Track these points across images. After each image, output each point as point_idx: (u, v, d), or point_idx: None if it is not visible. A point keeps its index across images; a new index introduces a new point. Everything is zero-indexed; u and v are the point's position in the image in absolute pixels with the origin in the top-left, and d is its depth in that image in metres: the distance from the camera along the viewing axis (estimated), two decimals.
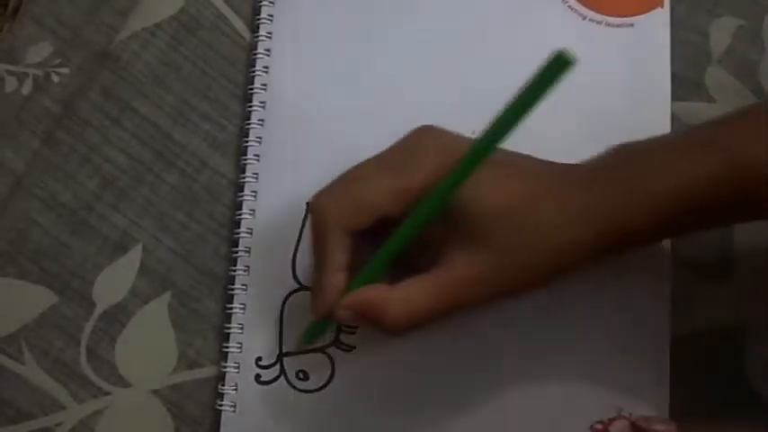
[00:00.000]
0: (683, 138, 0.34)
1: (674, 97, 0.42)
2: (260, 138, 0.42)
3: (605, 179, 0.33)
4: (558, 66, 0.26)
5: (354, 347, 0.40)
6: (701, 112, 0.43)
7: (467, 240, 0.33)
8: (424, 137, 0.34)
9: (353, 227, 0.33)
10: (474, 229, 0.32)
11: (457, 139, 0.33)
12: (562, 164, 0.35)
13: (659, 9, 0.43)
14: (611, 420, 0.39)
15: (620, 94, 0.43)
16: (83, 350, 0.41)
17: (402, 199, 0.33)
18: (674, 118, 0.42)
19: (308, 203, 0.41)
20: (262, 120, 0.42)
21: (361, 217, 0.33)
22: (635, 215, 0.33)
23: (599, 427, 0.39)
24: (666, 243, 0.41)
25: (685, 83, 0.43)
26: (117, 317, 0.42)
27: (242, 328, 0.40)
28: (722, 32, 0.44)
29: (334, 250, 0.33)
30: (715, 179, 0.32)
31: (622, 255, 0.34)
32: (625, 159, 0.34)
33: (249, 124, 0.42)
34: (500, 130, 0.29)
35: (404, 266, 0.34)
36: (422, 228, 0.32)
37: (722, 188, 0.32)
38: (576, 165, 0.35)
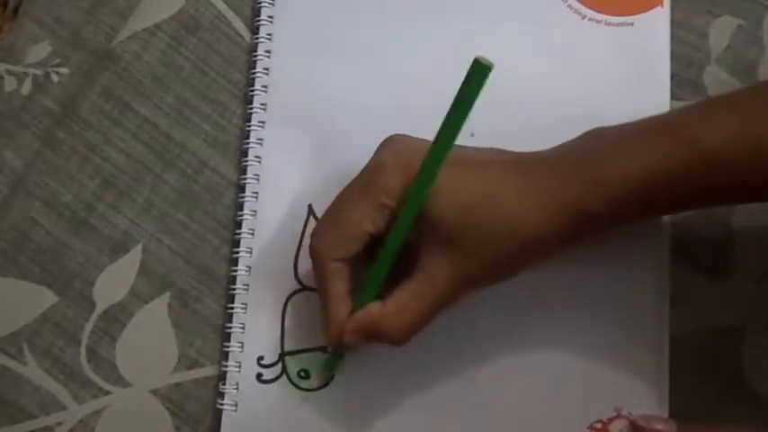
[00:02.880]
0: (650, 124, 0.35)
1: (674, 96, 0.42)
2: (261, 139, 0.42)
3: (567, 164, 0.34)
4: (480, 72, 0.29)
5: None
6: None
7: (438, 243, 0.34)
8: (387, 152, 0.36)
9: (347, 256, 0.36)
10: (442, 231, 0.34)
11: (417, 147, 0.34)
12: (519, 153, 0.36)
13: (659, 8, 0.43)
14: (611, 420, 0.39)
15: (620, 93, 0.43)
16: (83, 350, 0.41)
17: (382, 218, 0.35)
18: None
19: (309, 205, 0.41)
20: (262, 122, 0.42)
21: (351, 246, 0.35)
22: (597, 200, 0.33)
23: (598, 426, 0.39)
24: (666, 243, 0.41)
25: (684, 82, 0.43)
26: (117, 317, 0.42)
27: (243, 328, 0.41)
28: (721, 32, 0.44)
29: (335, 283, 0.36)
30: (679, 165, 0.32)
31: (584, 239, 0.35)
32: (591, 145, 0.35)
33: (250, 126, 0.42)
34: (447, 137, 0.32)
35: (396, 273, 0.35)
36: (402, 241, 0.34)
37: (686, 174, 0.32)
38: (537, 152, 0.36)
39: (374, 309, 0.35)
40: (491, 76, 0.30)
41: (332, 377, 0.40)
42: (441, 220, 0.34)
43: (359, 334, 0.35)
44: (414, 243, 0.35)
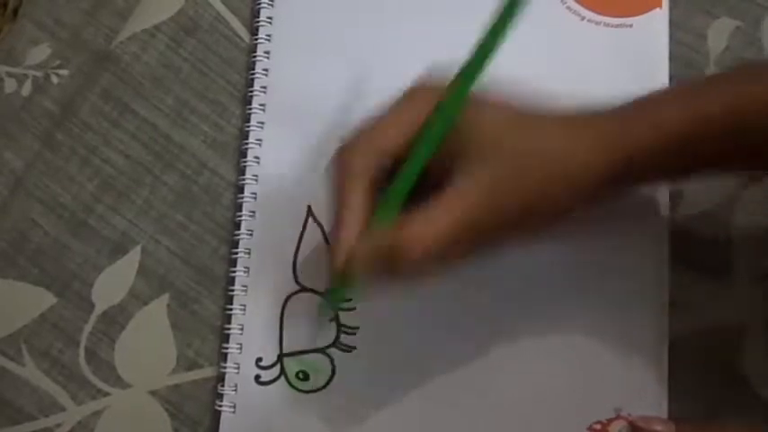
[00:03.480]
0: (686, 83, 0.36)
1: None
2: (260, 140, 0.42)
3: (609, 115, 0.34)
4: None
5: (354, 348, 0.40)
6: None
7: (475, 155, 0.32)
8: (422, 81, 0.34)
9: (374, 168, 0.33)
10: (484, 138, 0.32)
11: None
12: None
13: (657, 10, 0.43)
14: (610, 420, 0.39)
15: (619, 95, 0.43)
16: (82, 351, 0.41)
17: (412, 133, 0.33)
18: None
19: (308, 206, 0.41)
20: (261, 122, 0.43)
21: (380, 158, 0.33)
22: (635, 147, 0.33)
23: (598, 427, 0.39)
24: (666, 243, 0.41)
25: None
26: (116, 318, 0.42)
27: (242, 329, 0.40)
28: (720, 33, 0.44)
29: (352, 199, 0.33)
30: (714, 119, 0.32)
31: (624, 193, 0.35)
32: (637, 100, 0.35)
33: (249, 127, 0.42)
34: (482, 53, 0.31)
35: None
36: (430, 154, 0.32)
37: (720, 130, 0.32)
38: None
39: (392, 229, 0.32)
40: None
41: (330, 378, 0.40)
42: (482, 126, 0.32)
43: (372, 258, 0.32)
44: (440, 169, 0.32)
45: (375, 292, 0.36)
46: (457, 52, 0.43)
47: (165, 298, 0.42)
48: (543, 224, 0.34)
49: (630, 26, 0.43)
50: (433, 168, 0.33)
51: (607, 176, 0.33)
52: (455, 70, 0.33)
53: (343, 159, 0.34)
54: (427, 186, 0.32)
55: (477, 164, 0.32)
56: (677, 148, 0.33)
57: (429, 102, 0.33)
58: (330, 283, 0.37)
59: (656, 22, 0.43)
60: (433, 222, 0.31)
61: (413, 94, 0.34)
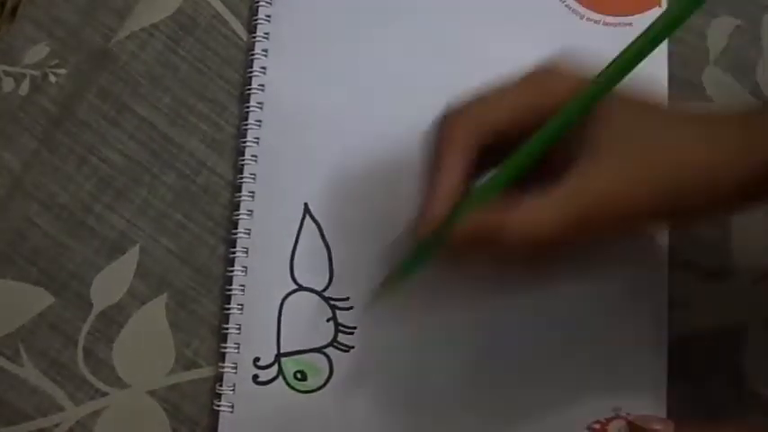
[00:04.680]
0: None
1: (672, 97, 0.42)
2: (257, 138, 0.42)
3: (761, 119, 0.31)
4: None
5: (353, 347, 0.40)
6: None
7: (604, 153, 0.31)
8: (558, 66, 0.33)
9: (485, 134, 0.32)
10: (616, 134, 0.31)
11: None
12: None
13: (657, 8, 0.43)
14: (609, 420, 0.39)
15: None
16: (80, 351, 0.41)
17: (535, 114, 0.31)
18: None
19: (305, 204, 0.41)
20: (259, 120, 0.42)
21: (495, 125, 0.32)
22: None
23: (597, 426, 0.39)
24: (665, 244, 0.41)
25: (683, 83, 0.43)
26: (114, 318, 0.42)
27: (239, 329, 0.40)
28: (720, 32, 0.44)
29: (452, 167, 0.31)
30: None
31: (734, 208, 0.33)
32: None
33: (247, 125, 0.42)
34: (634, 56, 0.29)
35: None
36: (553, 142, 0.30)
37: None
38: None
39: (498, 207, 0.30)
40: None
41: (329, 379, 0.40)
42: (612, 124, 0.31)
43: (470, 235, 0.30)
44: (561, 160, 0.31)
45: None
46: (455, 53, 0.43)
47: (164, 297, 0.42)
48: (668, 222, 0.32)
49: (630, 25, 0.43)
50: (551, 156, 0.31)
51: (749, 178, 0.30)
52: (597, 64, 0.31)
53: (448, 124, 0.32)
54: (537, 173, 0.31)
55: (607, 157, 0.30)
56: None
57: (547, 87, 0.31)
58: (408, 253, 0.34)
59: None
60: (540, 214, 0.30)
61: (532, 77, 0.32)
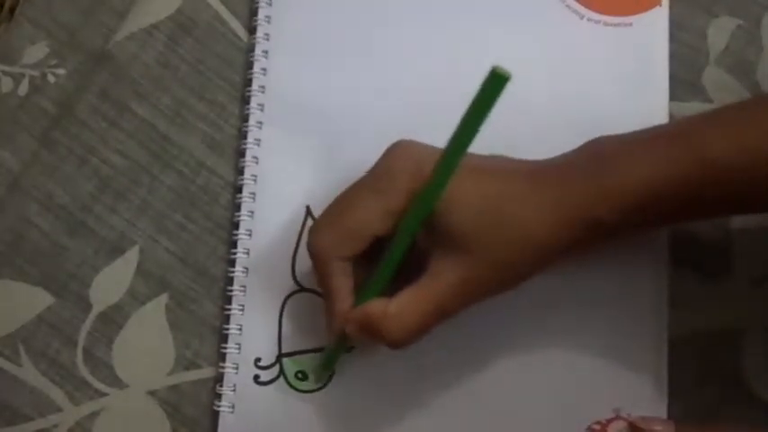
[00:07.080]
0: (655, 133, 0.35)
1: (672, 97, 0.42)
2: (258, 140, 0.42)
3: (576, 173, 0.34)
4: (496, 82, 0.28)
5: (353, 347, 0.40)
6: (699, 111, 0.43)
7: (448, 247, 0.34)
8: (398, 156, 0.35)
9: (351, 254, 0.35)
10: (454, 235, 0.34)
11: (429, 152, 0.34)
12: (527, 161, 0.36)
13: (657, 8, 0.43)
14: (610, 421, 0.39)
15: (618, 94, 0.43)
16: (79, 351, 0.41)
17: (389, 219, 0.34)
18: (671, 118, 0.42)
19: (307, 206, 0.41)
20: (260, 122, 0.42)
21: (356, 244, 0.35)
22: (605, 209, 0.33)
23: (597, 427, 0.39)
24: (665, 245, 0.41)
25: (683, 83, 0.43)
26: (114, 318, 0.41)
27: (240, 329, 0.40)
28: (720, 32, 0.44)
29: (338, 279, 0.35)
30: (683, 174, 0.32)
31: (594, 247, 0.35)
32: (596, 153, 0.35)
33: (247, 127, 0.42)
34: (459, 144, 0.31)
35: (402, 274, 0.35)
36: (409, 244, 0.34)
37: (689, 183, 0.32)
38: (547, 160, 0.36)
39: (377, 305, 0.34)
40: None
41: (329, 378, 0.40)
42: (452, 225, 0.33)
43: (359, 325, 0.35)
44: (421, 248, 0.34)
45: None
46: (455, 53, 0.43)
47: (164, 298, 0.42)
48: (515, 284, 0.35)
49: (630, 25, 0.43)
50: (418, 247, 0.34)
51: (572, 242, 0.34)
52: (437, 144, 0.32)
53: (316, 244, 0.36)
54: (417, 258, 0.35)
55: (449, 254, 0.34)
56: (649, 204, 0.33)
57: (407, 180, 0.34)
58: (329, 345, 0.39)
59: (656, 21, 0.43)
60: (408, 314, 0.34)
61: (392, 169, 0.35)
